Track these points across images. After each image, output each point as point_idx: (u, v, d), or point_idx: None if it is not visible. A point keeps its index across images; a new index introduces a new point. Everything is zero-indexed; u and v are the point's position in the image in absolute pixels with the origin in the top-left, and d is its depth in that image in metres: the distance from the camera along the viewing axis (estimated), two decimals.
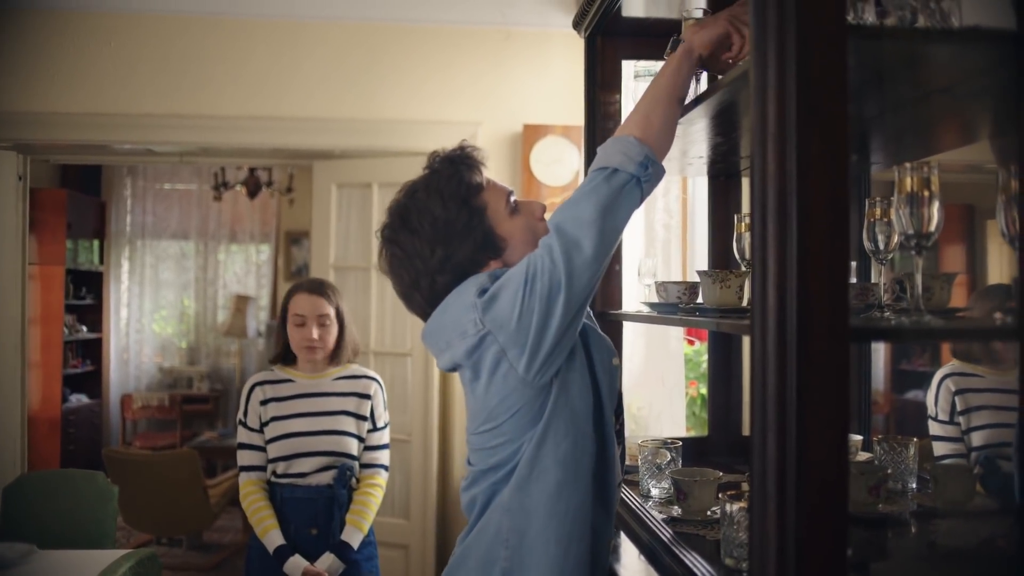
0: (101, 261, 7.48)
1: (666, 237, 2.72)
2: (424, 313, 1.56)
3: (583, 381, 1.47)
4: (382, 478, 2.70)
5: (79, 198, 6.95)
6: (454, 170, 1.53)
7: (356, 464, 2.64)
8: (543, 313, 1.38)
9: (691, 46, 1.51)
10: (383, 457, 2.71)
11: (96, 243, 7.40)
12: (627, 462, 2.24)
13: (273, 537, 2.50)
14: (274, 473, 2.60)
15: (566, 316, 1.39)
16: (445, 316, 1.50)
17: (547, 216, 1.49)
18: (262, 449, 2.61)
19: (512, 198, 1.57)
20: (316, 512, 2.57)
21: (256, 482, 2.59)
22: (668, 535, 1.62)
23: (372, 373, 2.77)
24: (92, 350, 7.36)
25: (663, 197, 2.76)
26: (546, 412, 1.45)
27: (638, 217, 2.91)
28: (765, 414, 0.94)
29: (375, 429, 2.69)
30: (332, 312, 2.65)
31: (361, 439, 2.66)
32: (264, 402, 2.62)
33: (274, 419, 2.60)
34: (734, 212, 2.20)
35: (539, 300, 1.38)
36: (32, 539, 2.83)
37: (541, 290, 1.37)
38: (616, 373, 1.55)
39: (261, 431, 2.61)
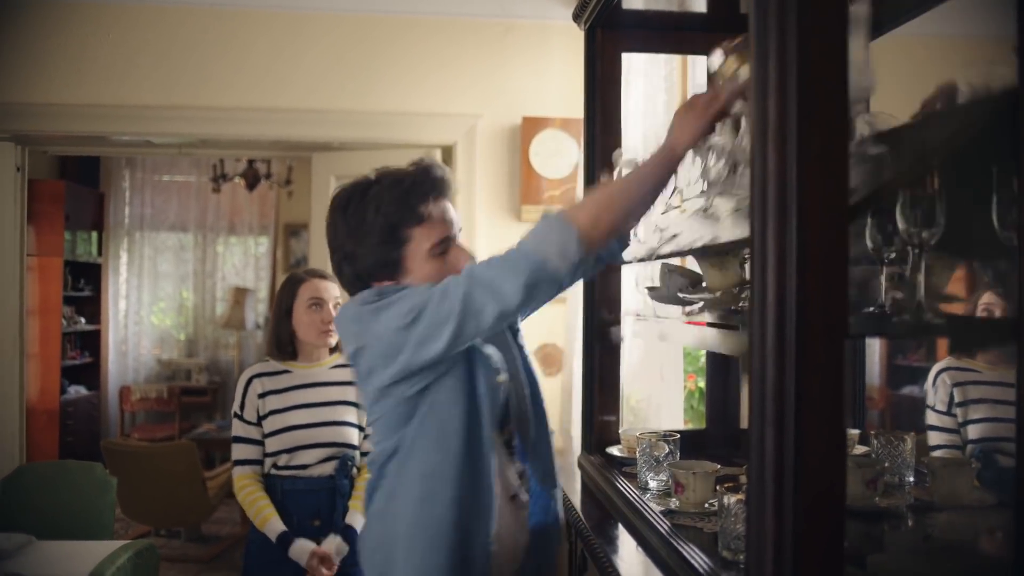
0: (99, 253, 7.47)
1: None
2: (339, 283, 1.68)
3: (456, 398, 1.50)
4: None
5: (77, 189, 6.93)
6: (400, 192, 1.55)
7: (357, 454, 2.62)
8: (418, 345, 1.43)
9: (675, 146, 1.45)
10: None
11: (94, 235, 7.39)
12: (625, 454, 2.25)
13: (274, 524, 2.48)
14: (274, 466, 2.57)
15: (443, 353, 1.44)
16: (342, 316, 1.58)
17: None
18: (258, 443, 2.57)
19: (444, 243, 1.59)
20: (318, 503, 2.55)
21: (251, 475, 2.56)
22: (666, 527, 1.63)
23: None
24: (91, 342, 7.36)
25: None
26: (412, 425, 1.50)
27: None
28: (764, 408, 0.94)
29: None
30: (340, 296, 2.62)
31: (362, 428, 2.62)
32: (263, 395, 2.57)
33: (273, 412, 2.56)
34: None
35: (419, 333, 1.42)
36: (30, 530, 2.84)
37: (425, 328, 1.42)
38: (500, 390, 1.59)
39: (259, 424, 2.56)
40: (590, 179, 2.40)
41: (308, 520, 2.54)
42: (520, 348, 1.77)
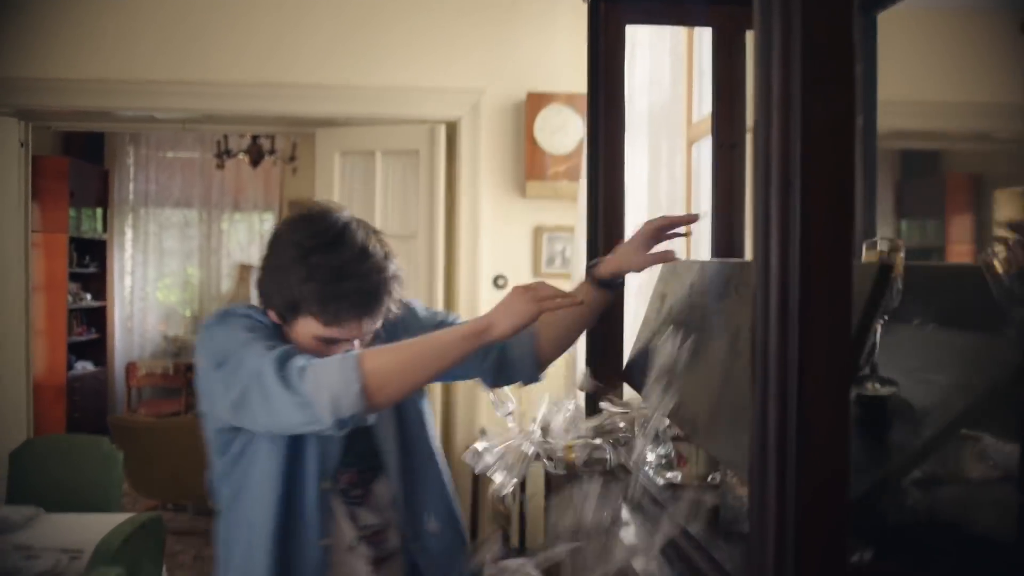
0: (105, 229, 7.47)
1: (669, 206, 2.70)
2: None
3: (272, 449, 1.44)
4: None
5: (82, 166, 6.93)
6: (331, 289, 1.41)
7: None
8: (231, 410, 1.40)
9: (491, 327, 1.35)
10: None
11: (99, 211, 7.39)
12: (620, 425, 2.25)
13: None
14: None
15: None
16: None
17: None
18: None
19: (334, 342, 1.46)
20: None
21: None
22: (667, 499, 1.63)
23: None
24: (96, 318, 7.39)
25: (667, 165, 2.74)
26: (239, 466, 1.48)
27: (640, 183, 2.91)
28: (766, 379, 0.94)
29: None
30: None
31: None
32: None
33: None
34: (738, 182, 2.19)
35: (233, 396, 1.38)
36: (38, 502, 2.87)
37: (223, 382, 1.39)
38: (334, 439, 1.46)
39: None
40: (594, 154, 2.39)
41: None
42: None
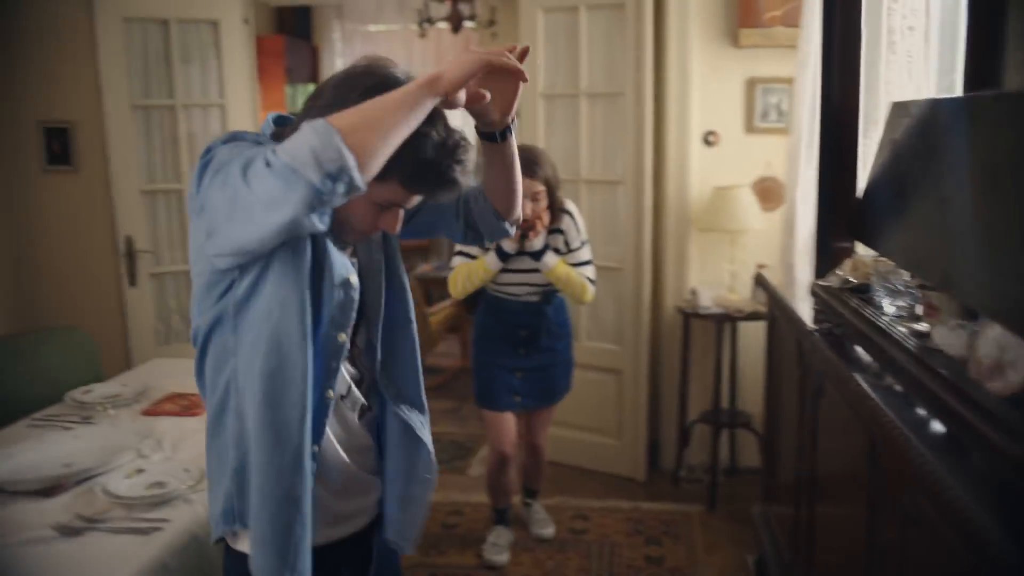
0: None
1: (909, 42, 2.46)
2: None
3: (286, 295, 1.36)
4: (583, 277, 3.13)
5: (294, 43, 7.23)
6: (422, 147, 1.34)
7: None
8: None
9: (439, 77, 1.29)
10: (587, 271, 3.15)
11: (311, 87, 7.73)
12: (850, 281, 2.15)
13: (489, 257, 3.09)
14: (491, 287, 3.20)
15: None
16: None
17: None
18: (472, 256, 3.15)
19: (394, 205, 1.42)
20: (527, 317, 3.19)
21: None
22: (913, 346, 1.56)
23: (566, 205, 3.14)
24: None
25: None
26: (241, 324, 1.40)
27: (875, 17, 2.66)
28: None
29: (571, 251, 3.13)
30: (543, 187, 2.95)
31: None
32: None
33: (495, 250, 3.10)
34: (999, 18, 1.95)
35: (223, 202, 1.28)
36: None
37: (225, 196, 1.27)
38: (348, 291, 1.44)
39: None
40: None
41: (516, 329, 3.20)
42: (388, 251, 1.62)
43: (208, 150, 1.36)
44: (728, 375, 4.05)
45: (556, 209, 3.12)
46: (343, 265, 1.46)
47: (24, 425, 2.60)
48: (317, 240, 1.40)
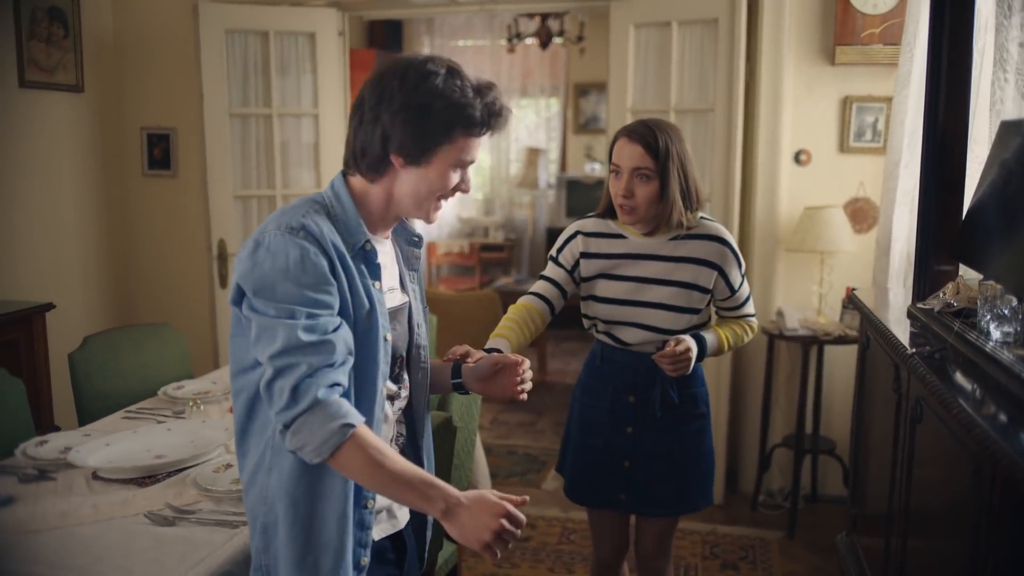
0: None
1: (1021, 59, 2.36)
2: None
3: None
4: (751, 323, 2.40)
5: (385, 57, 7.37)
6: (472, 98, 1.47)
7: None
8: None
9: (444, 517, 1.36)
10: (747, 308, 2.38)
11: None
12: (952, 305, 2.06)
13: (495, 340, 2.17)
14: (595, 327, 2.37)
15: None
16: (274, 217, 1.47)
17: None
18: (557, 285, 2.33)
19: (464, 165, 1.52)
20: (636, 378, 2.30)
21: (526, 302, 2.31)
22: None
23: (720, 231, 2.28)
24: None
25: (1021, 12, 2.37)
26: None
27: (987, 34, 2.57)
28: None
29: (734, 293, 2.31)
30: (653, 163, 2.16)
31: (697, 311, 2.28)
32: (587, 255, 2.32)
33: (602, 276, 2.30)
34: None
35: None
36: None
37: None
38: (387, 346, 1.51)
39: (571, 273, 2.34)
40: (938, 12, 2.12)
41: (623, 395, 2.32)
42: (417, 291, 1.72)
43: (257, 245, 1.41)
44: (812, 399, 3.94)
45: (705, 226, 2.28)
46: (385, 325, 1.53)
47: (119, 417, 2.68)
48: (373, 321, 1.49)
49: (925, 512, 1.85)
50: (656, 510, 2.37)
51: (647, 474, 2.32)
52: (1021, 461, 1.23)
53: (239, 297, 1.43)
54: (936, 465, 1.77)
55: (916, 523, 1.91)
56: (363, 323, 1.47)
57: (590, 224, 2.35)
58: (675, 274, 2.24)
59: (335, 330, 1.39)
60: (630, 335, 2.28)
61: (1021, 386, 1.44)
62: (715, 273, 2.25)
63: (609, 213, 2.33)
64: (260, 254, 1.39)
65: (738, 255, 2.28)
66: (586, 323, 2.39)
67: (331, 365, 1.37)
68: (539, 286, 2.34)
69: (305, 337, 1.35)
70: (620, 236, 2.30)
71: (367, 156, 1.48)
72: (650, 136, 2.18)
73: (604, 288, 2.30)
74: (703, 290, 2.25)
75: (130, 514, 1.93)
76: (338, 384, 1.38)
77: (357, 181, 1.54)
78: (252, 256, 1.40)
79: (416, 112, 1.43)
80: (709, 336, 2.28)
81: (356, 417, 1.38)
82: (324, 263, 1.40)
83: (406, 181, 1.49)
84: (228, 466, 2.18)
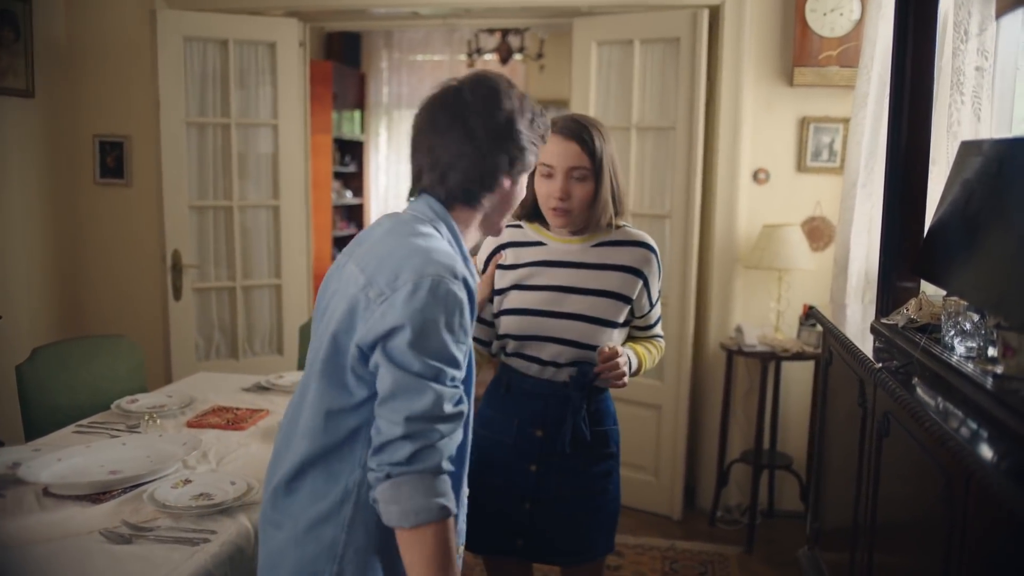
0: (362, 130, 7.91)
1: (977, 83, 2.43)
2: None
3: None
4: (661, 343, 2.23)
5: (342, 70, 7.32)
6: (534, 115, 1.59)
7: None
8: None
9: None
10: (658, 329, 2.21)
11: (357, 113, 7.81)
12: (915, 321, 2.10)
13: None
14: (503, 350, 2.11)
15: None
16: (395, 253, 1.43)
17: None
18: (487, 323, 2.12)
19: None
20: (546, 410, 2.06)
21: None
22: (991, 388, 1.51)
23: (646, 238, 2.10)
24: (356, 214, 7.90)
25: (977, 36, 2.44)
26: None
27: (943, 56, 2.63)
28: None
29: (652, 307, 2.14)
30: (589, 163, 1.99)
31: (617, 325, 2.07)
32: (502, 267, 2.12)
33: (517, 287, 2.08)
34: None
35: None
36: None
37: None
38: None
39: (491, 301, 2.12)
40: (902, 26, 2.17)
41: (531, 428, 2.07)
42: None
43: (417, 288, 1.35)
44: (770, 415, 3.98)
45: (627, 232, 2.11)
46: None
47: (70, 431, 2.59)
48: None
49: (892, 525, 1.87)
50: (555, 558, 2.12)
51: (548, 518, 2.07)
52: (994, 472, 1.24)
53: (377, 342, 1.36)
54: (904, 478, 1.79)
55: (883, 536, 1.93)
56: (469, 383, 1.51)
57: (506, 234, 2.13)
58: (598, 282, 2.04)
59: (464, 399, 1.43)
60: (545, 351, 2.03)
61: (989, 399, 1.46)
62: (640, 282, 2.06)
63: (528, 218, 2.16)
64: (425, 299, 1.34)
65: (661, 267, 2.11)
66: (495, 347, 2.14)
67: (454, 435, 1.38)
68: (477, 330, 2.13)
69: (448, 409, 1.36)
70: (539, 243, 2.11)
71: (485, 179, 1.52)
72: (585, 133, 2.01)
73: (517, 299, 2.07)
74: (626, 299, 2.05)
75: (84, 532, 1.86)
76: (452, 456, 1.39)
77: (462, 214, 1.56)
78: (413, 299, 1.34)
79: (495, 140, 1.53)
80: (631, 352, 2.08)
81: (454, 506, 1.37)
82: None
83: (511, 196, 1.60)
84: (187, 482, 2.12)
